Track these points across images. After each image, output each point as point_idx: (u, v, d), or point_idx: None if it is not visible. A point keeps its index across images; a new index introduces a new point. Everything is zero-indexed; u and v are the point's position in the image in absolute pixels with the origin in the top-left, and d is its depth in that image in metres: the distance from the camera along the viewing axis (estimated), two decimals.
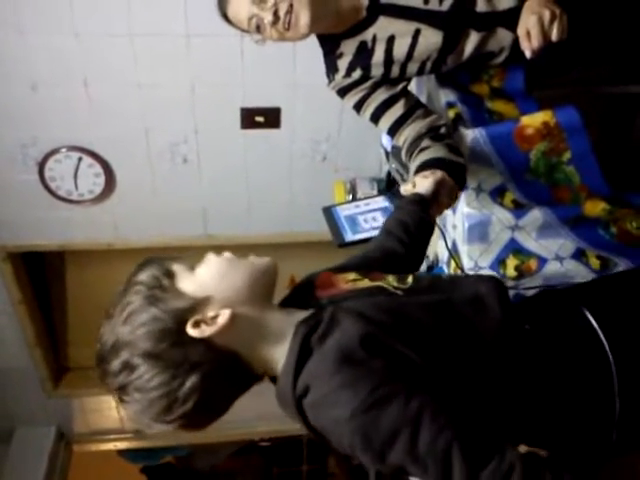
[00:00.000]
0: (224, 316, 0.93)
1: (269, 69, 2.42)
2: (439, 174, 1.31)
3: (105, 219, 2.75)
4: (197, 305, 0.94)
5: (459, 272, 1.27)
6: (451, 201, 1.35)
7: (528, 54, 1.24)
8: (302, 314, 0.99)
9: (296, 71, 2.43)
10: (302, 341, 0.93)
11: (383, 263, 1.19)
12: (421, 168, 1.36)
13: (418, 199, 1.28)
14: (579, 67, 1.60)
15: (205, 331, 0.92)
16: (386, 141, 2.38)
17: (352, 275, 1.08)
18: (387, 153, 2.38)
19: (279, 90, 2.49)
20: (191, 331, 0.92)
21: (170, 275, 0.97)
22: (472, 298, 1.00)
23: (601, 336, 1.00)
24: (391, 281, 1.05)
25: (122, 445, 3.97)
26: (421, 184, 1.30)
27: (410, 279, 1.06)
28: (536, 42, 1.21)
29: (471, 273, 1.57)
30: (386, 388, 0.84)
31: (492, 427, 0.88)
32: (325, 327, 0.93)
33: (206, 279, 0.97)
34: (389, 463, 0.85)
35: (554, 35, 1.20)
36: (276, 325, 0.98)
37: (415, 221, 1.26)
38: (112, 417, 3.72)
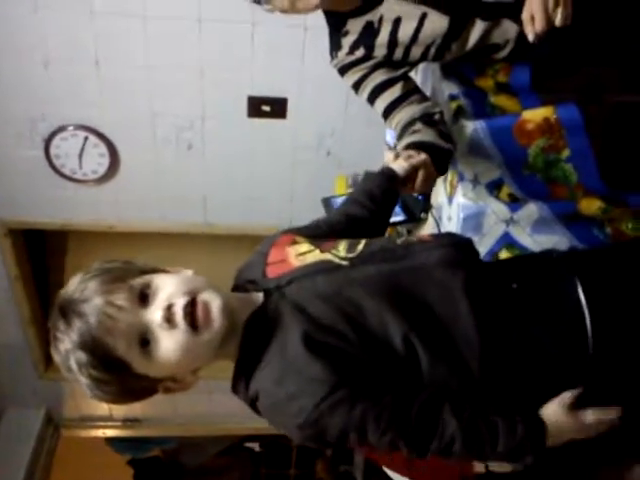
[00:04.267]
0: (192, 380, 0.98)
1: (278, 59, 2.44)
2: (422, 157, 1.28)
3: (107, 200, 2.76)
4: (159, 381, 0.95)
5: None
6: (426, 187, 1.32)
7: (531, 37, 1.24)
8: (248, 309, 0.98)
9: (304, 63, 2.45)
10: (246, 348, 0.95)
11: (346, 227, 1.20)
12: (408, 147, 1.34)
13: (387, 173, 1.26)
14: (585, 66, 1.59)
15: (171, 391, 0.97)
16: (390, 138, 2.38)
17: (304, 247, 1.07)
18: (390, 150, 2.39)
19: (287, 81, 2.50)
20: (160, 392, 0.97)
21: (120, 366, 0.88)
22: (419, 267, 0.98)
23: (585, 311, 0.98)
24: (341, 250, 1.04)
25: (111, 433, 3.95)
26: (398, 163, 1.27)
27: (361, 246, 1.05)
28: (539, 26, 1.21)
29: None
30: (329, 401, 0.87)
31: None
32: (270, 327, 0.94)
33: (168, 364, 0.92)
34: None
35: (558, 20, 1.20)
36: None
37: (380, 190, 1.25)
38: (102, 404, 3.70)
